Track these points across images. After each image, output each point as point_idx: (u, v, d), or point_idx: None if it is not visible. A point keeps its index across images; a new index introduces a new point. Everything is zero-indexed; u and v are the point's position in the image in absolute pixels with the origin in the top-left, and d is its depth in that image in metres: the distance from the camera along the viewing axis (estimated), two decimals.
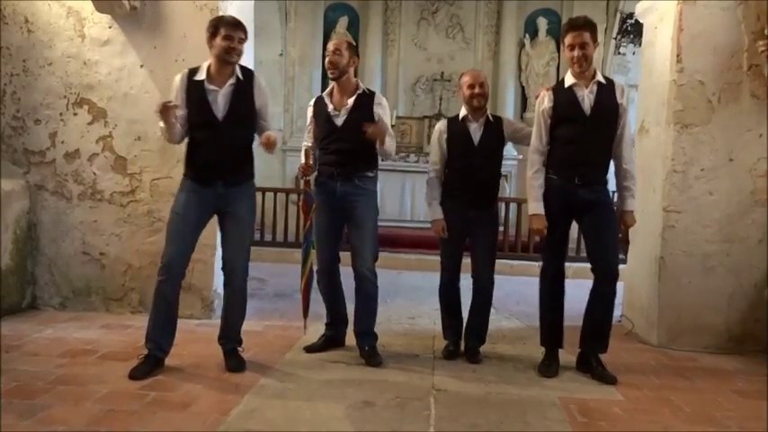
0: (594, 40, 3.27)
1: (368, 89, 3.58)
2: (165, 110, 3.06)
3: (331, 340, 3.68)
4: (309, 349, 3.61)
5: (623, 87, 3.39)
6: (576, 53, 3.23)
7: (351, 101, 3.49)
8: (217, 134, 3.17)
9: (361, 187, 3.48)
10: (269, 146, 3.20)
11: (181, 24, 4.24)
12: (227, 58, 3.14)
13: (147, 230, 4.29)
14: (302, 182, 3.66)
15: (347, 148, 3.46)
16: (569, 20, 3.47)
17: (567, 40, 3.27)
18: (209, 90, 3.17)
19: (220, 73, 3.18)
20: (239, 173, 3.27)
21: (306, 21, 9.98)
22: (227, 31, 3.13)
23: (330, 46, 3.55)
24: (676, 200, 4.04)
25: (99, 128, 4.32)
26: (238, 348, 3.33)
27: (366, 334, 3.52)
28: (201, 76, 3.18)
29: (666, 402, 3.03)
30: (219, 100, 3.17)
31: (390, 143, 3.48)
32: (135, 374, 3.02)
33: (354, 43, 3.76)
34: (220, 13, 4.20)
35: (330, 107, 3.53)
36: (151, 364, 3.11)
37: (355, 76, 3.62)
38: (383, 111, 3.51)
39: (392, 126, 3.66)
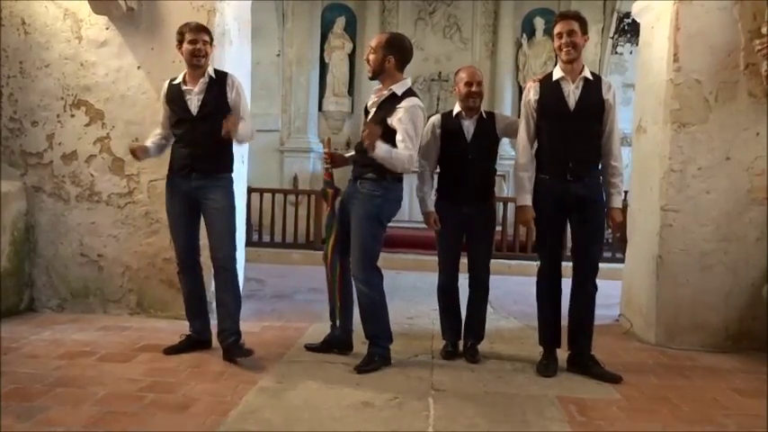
0: (584, 32, 3.29)
1: (409, 90, 3.34)
2: (135, 154, 3.47)
3: (329, 343, 3.64)
4: (309, 347, 3.64)
5: (610, 84, 3.41)
6: (564, 39, 3.26)
7: (378, 100, 3.38)
8: (192, 129, 3.42)
9: (358, 190, 3.36)
10: (227, 127, 3.24)
11: (178, 25, 4.22)
12: (194, 61, 3.37)
13: (145, 232, 4.29)
14: (324, 171, 3.66)
15: (362, 147, 3.35)
16: (560, 12, 3.50)
17: (557, 29, 3.31)
18: (185, 90, 3.42)
19: (193, 75, 3.42)
20: (213, 165, 3.41)
21: (303, 21, 9.97)
22: (190, 35, 3.37)
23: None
24: (674, 199, 4.04)
25: (96, 129, 4.32)
26: (239, 341, 3.35)
27: (369, 342, 3.41)
28: (178, 80, 3.46)
29: (665, 401, 3.03)
30: (194, 97, 3.40)
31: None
32: (166, 350, 3.46)
33: (396, 39, 3.40)
34: (218, 14, 4.22)
35: (369, 103, 3.47)
36: (185, 343, 3.52)
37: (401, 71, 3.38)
38: (401, 113, 3.22)
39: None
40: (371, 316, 3.40)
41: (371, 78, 3.44)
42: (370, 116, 3.38)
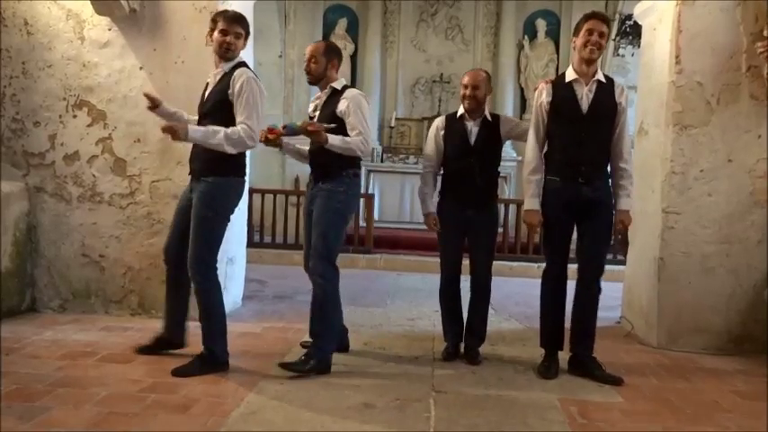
0: (608, 38, 3.31)
1: (346, 85, 3.44)
2: (151, 105, 3.39)
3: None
4: (303, 345, 3.64)
5: (623, 87, 3.39)
6: (593, 37, 3.22)
7: (320, 101, 3.48)
8: (198, 125, 3.27)
9: (321, 189, 3.36)
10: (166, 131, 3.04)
11: (180, 26, 4.25)
12: (220, 53, 3.23)
13: (147, 232, 4.29)
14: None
15: (312, 148, 3.46)
16: (593, 11, 3.43)
17: (588, 25, 3.25)
18: (208, 83, 3.31)
19: (217, 67, 3.28)
20: (205, 165, 3.19)
21: (305, 23, 10.00)
22: (223, 25, 3.21)
23: (306, 53, 3.47)
24: (675, 201, 4.04)
25: (98, 130, 4.32)
26: (203, 352, 3.20)
27: (312, 341, 3.34)
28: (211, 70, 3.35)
29: (666, 403, 3.03)
30: (207, 92, 3.28)
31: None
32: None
33: (331, 45, 3.61)
34: None
35: (311, 108, 3.58)
36: (156, 344, 3.42)
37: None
38: (346, 103, 3.29)
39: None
40: (319, 311, 3.32)
41: (312, 84, 3.56)
42: (316, 118, 3.44)
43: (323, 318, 3.31)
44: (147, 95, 3.45)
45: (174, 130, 3.02)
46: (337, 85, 3.43)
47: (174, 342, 3.43)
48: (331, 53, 3.47)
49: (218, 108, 3.17)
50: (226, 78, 3.18)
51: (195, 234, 3.16)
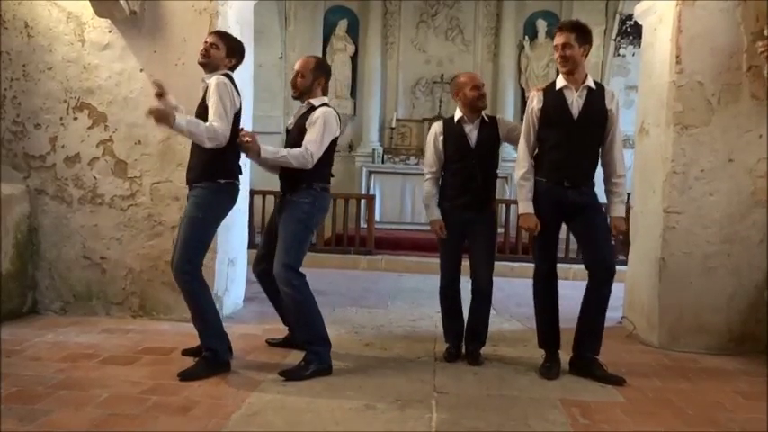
0: (582, 42, 3.27)
1: (325, 105, 3.46)
2: (159, 93, 3.42)
3: (288, 340, 3.70)
4: (270, 342, 3.76)
5: (613, 93, 3.43)
6: (558, 52, 3.29)
7: (298, 115, 3.50)
8: None
9: (289, 200, 3.40)
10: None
11: (181, 29, 4.25)
12: (198, 60, 3.36)
13: (148, 234, 4.29)
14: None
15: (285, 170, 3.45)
16: (559, 23, 3.52)
17: (554, 41, 3.35)
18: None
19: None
20: (198, 174, 3.29)
21: (305, 24, 10.01)
22: (205, 37, 3.40)
23: (296, 67, 3.50)
24: (676, 201, 4.04)
25: (99, 132, 4.33)
26: (205, 354, 3.23)
27: (305, 345, 3.32)
28: None
29: (668, 404, 3.03)
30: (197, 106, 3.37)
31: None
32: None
33: (321, 62, 3.64)
34: (220, 17, 4.23)
35: (290, 122, 3.61)
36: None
37: (324, 92, 3.54)
38: (314, 117, 3.35)
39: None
40: (298, 319, 3.35)
41: (295, 98, 3.57)
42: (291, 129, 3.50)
43: (306, 324, 3.32)
44: (155, 83, 3.47)
45: (165, 116, 3.06)
46: (316, 102, 3.44)
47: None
48: (319, 71, 3.49)
49: (202, 119, 3.22)
50: (207, 90, 3.30)
51: (184, 234, 3.23)
